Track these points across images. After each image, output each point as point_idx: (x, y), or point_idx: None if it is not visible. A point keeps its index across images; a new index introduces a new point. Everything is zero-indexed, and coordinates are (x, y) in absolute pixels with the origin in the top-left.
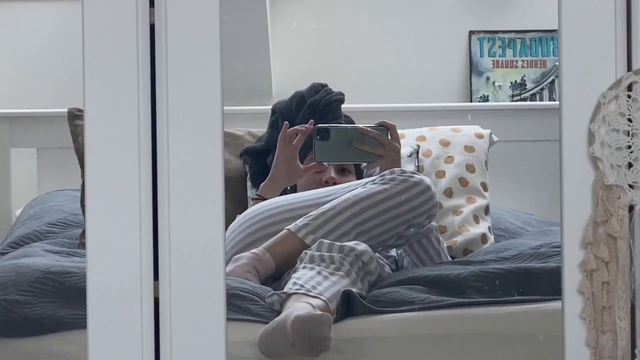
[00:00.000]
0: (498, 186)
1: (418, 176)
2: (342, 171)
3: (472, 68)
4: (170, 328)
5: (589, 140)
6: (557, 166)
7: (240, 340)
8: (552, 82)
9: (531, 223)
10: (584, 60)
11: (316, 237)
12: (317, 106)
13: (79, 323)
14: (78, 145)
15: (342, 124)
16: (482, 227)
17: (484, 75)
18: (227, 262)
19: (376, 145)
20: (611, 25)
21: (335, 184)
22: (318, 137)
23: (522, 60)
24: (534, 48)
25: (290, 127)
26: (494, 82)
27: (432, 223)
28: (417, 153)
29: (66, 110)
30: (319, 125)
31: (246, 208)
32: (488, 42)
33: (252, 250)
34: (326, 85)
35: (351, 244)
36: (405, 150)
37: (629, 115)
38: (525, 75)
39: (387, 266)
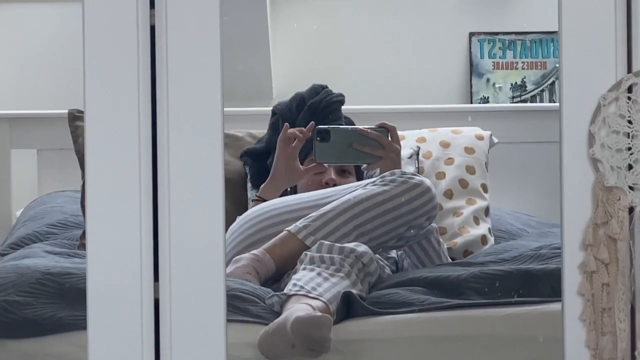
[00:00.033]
0: (498, 188)
1: (418, 178)
2: (342, 172)
3: (473, 69)
4: (170, 329)
5: (589, 141)
6: (557, 168)
7: (240, 341)
8: (553, 83)
9: (531, 224)
10: (584, 62)
11: (316, 238)
12: (317, 107)
13: (79, 324)
14: (78, 146)
15: (343, 125)
16: (482, 228)
17: (484, 77)
18: (227, 264)
19: (376, 147)
20: (611, 26)
21: (335, 185)
22: (318, 138)
23: (522, 62)
24: (534, 49)
25: (285, 125)
26: (494, 84)
27: (432, 224)
28: (418, 154)
29: (66, 111)
30: (319, 126)
31: (246, 209)
32: (488, 43)
33: (252, 252)
34: (326, 87)
35: (351, 245)
36: (405, 151)
37: (629, 117)
38: (525, 77)
39: (387, 267)
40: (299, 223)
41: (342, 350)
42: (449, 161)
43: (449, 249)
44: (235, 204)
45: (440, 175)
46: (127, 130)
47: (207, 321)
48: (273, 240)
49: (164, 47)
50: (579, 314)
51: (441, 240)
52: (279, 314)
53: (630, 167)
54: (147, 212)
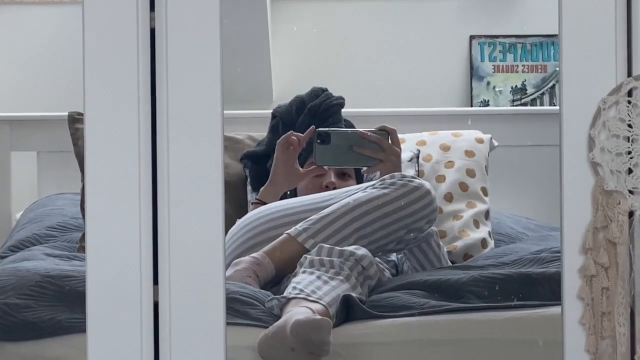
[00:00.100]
0: (498, 191)
1: (418, 181)
2: (342, 175)
3: (473, 73)
4: (169, 332)
5: (589, 145)
6: (557, 171)
7: (240, 344)
8: (553, 87)
9: (531, 228)
10: (584, 66)
11: (316, 241)
12: (317, 110)
13: (79, 327)
14: (78, 148)
15: (343, 128)
16: (482, 232)
17: (484, 80)
18: (227, 267)
19: (376, 150)
20: (611, 30)
21: (335, 188)
22: (318, 141)
23: (522, 65)
24: (534, 53)
25: (289, 131)
26: (494, 87)
27: (432, 228)
28: (418, 157)
29: (66, 113)
30: (320, 129)
31: (246, 212)
32: (489, 46)
33: (252, 255)
34: (326, 90)
35: (351, 248)
36: (405, 154)
37: (629, 121)
38: (525, 80)
39: (386, 271)
40: (299, 226)
41: (341, 354)
42: (449, 164)
43: (448, 252)
44: (235, 207)
45: (441, 179)
46: (127, 133)
47: (207, 324)
48: (273, 243)
49: (164, 50)
50: (579, 317)
51: (441, 243)
52: (278, 317)
53: (630, 171)
54: (147, 215)
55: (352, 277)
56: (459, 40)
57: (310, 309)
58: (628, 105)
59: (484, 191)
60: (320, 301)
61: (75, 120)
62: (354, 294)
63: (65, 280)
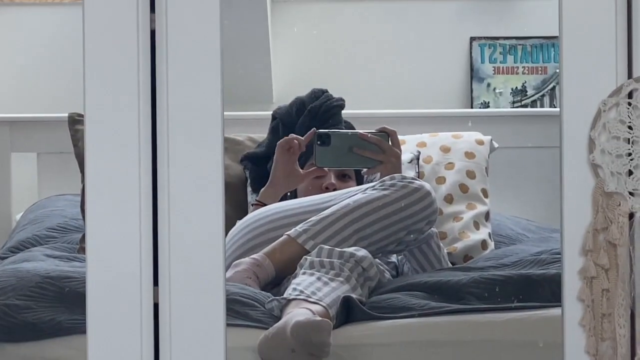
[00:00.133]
0: (498, 192)
1: (418, 182)
2: (343, 177)
3: (473, 74)
4: (169, 333)
5: (589, 147)
6: (557, 173)
7: (240, 345)
8: (553, 88)
9: (531, 229)
10: (584, 67)
11: (316, 242)
12: (317, 112)
13: (79, 328)
14: (78, 149)
15: (343, 129)
16: (483, 233)
17: (484, 82)
18: (227, 268)
19: (377, 151)
20: (612, 32)
21: (335, 189)
22: (318, 142)
23: (522, 67)
24: (534, 54)
25: (289, 133)
26: (494, 89)
27: (432, 229)
28: (418, 159)
29: (66, 115)
30: (320, 130)
31: (246, 213)
32: (489, 48)
33: (252, 256)
34: (326, 91)
35: (351, 249)
36: (405, 156)
37: (630, 122)
38: (525, 82)
39: (387, 272)
40: (299, 227)
41: (341, 355)
42: (449, 166)
43: (449, 253)
44: (235, 208)
45: (441, 180)
46: (127, 134)
47: (207, 325)
48: (273, 244)
49: (164, 51)
50: (579, 319)
51: (441, 244)
52: (278, 318)
53: (630, 172)
54: (147, 216)
55: (352, 279)
56: (459, 42)
57: (311, 310)
58: (628, 107)
59: (484, 193)
60: (321, 302)
61: (75, 122)
62: (354, 295)
63: (65, 281)
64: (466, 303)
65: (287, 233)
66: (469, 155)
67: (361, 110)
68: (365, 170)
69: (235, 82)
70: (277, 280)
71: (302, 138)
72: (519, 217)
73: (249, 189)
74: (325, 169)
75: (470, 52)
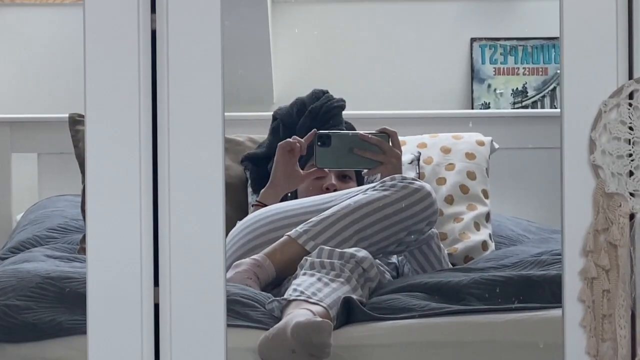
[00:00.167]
0: (499, 193)
1: (418, 183)
2: (343, 177)
3: (474, 75)
4: (170, 334)
5: (590, 148)
6: (558, 174)
7: (241, 346)
8: (554, 89)
9: (532, 230)
10: (585, 68)
11: (316, 243)
12: (318, 113)
13: (79, 328)
14: (79, 150)
15: (343, 130)
16: (483, 234)
17: (485, 83)
18: (227, 268)
19: (377, 152)
20: (613, 33)
21: (335, 190)
22: (319, 143)
23: (523, 68)
24: (535, 55)
25: (290, 133)
26: (495, 89)
27: (432, 230)
28: (418, 160)
29: (67, 115)
30: (320, 131)
31: (247, 214)
32: (489, 49)
33: (253, 257)
34: (327, 92)
35: (351, 250)
36: (406, 157)
37: (630, 123)
38: (526, 83)
39: (387, 273)
40: (299, 228)
41: (342, 356)
42: (450, 167)
43: (449, 254)
44: (236, 209)
45: (441, 181)
46: (128, 135)
47: (207, 326)
48: (273, 245)
49: (165, 52)
50: (580, 320)
51: (442, 245)
52: (279, 319)
53: (631, 173)
54: (148, 217)
55: (353, 279)
56: (460, 43)
57: (311, 311)
58: (629, 107)
59: (485, 193)
60: (321, 303)
61: (76, 122)
62: (354, 296)
63: (65, 282)
64: (467, 304)
65: (287, 234)
66: (470, 156)
67: (362, 111)
68: (365, 171)
69: (235, 82)
70: (277, 281)
71: (304, 141)
72: (519, 218)
73: (249, 189)
74: (326, 170)
75: (471, 53)
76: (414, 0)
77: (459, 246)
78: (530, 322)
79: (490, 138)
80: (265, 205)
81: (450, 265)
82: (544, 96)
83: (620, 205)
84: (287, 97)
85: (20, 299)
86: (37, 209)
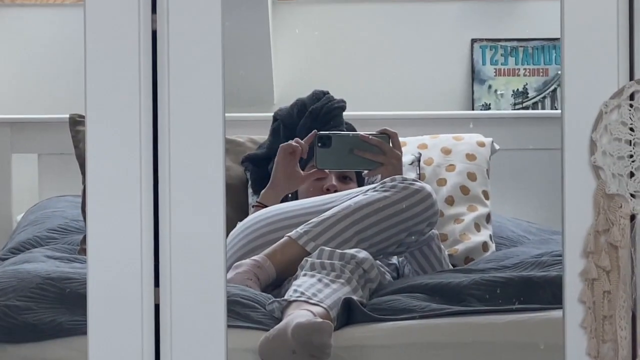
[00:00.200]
0: (499, 194)
1: (419, 184)
2: (344, 179)
3: (474, 76)
4: (170, 335)
5: (590, 149)
6: (558, 175)
7: (241, 347)
8: (554, 90)
9: (532, 231)
10: (586, 69)
11: (317, 244)
12: (318, 113)
13: (79, 329)
14: (79, 151)
15: (344, 131)
16: (484, 235)
17: (486, 84)
18: (227, 269)
19: (377, 153)
20: (614, 34)
21: (336, 191)
22: (319, 144)
23: (524, 69)
24: (536, 56)
25: (291, 134)
26: (495, 90)
27: (433, 231)
28: (419, 161)
29: (67, 116)
30: (321, 132)
31: (247, 215)
32: (490, 50)
33: (253, 258)
34: (328, 93)
35: (352, 251)
36: (406, 158)
37: (631, 124)
38: (527, 84)
39: (388, 274)
40: (300, 229)
41: (342, 357)
42: (450, 168)
43: (450, 255)
44: (236, 210)
45: (442, 182)
46: (128, 136)
47: (208, 327)
48: (274, 246)
49: (166, 52)
50: (580, 321)
51: (442, 246)
52: (279, 320)
53: (632, 174)
54: (148, 217)
55: (353, 280)
56: (461, 44)
57: (312, 311)
58: (630, 108)
59: (485, 194)
60: (322, 304)
61: (76, 123)
62: (355, 297)
63: (66, 283)
64: (467, 305)
65: (287, 234)
66: (470, 157)
67: (362, 111)
68: (366, 172)
69: (236, 83)
70: (277, 281)
71: (304, 142)
72: (520, 219)
73: (249, 190)
74: (326, 170)
75: (472, 54)
76: (414, 1)
77: (460, 247)
78: (531, 323)
79: (490, 139)
80: (266, 206)
81: (451, 266)
82: (544, 97)
83: (621, 207)
84: (287, 98)
85: (21, 299)
86: (38, 209)
